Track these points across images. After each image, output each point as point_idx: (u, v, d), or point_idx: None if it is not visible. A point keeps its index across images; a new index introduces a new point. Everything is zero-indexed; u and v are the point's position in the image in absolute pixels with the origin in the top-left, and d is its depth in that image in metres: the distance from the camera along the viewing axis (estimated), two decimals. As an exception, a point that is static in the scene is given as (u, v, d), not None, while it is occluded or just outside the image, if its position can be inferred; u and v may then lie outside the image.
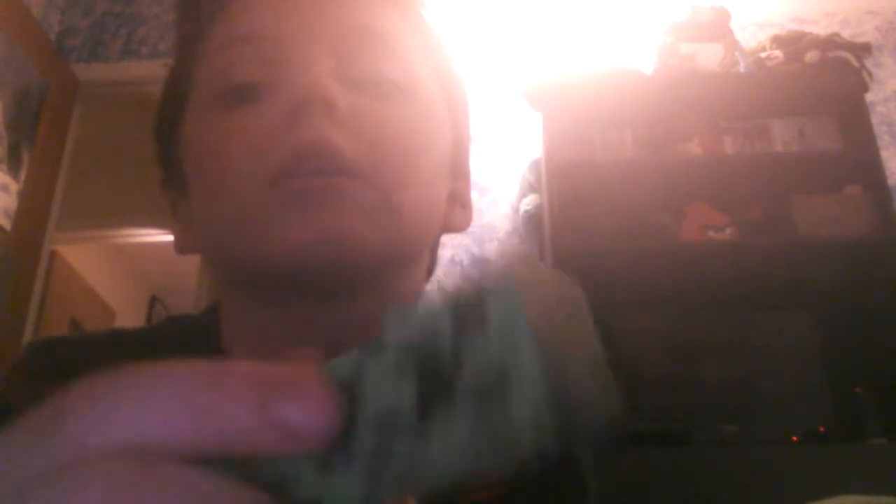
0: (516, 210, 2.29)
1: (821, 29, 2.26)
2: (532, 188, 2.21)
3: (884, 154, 2.01)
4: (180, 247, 0.47)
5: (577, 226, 1.93)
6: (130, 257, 4.13)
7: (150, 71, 2.40)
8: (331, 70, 0.41)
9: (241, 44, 0.43)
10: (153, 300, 4.50)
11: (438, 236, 0.49)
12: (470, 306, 0.18)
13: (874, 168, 1.91)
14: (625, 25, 2.39)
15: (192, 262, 1.80)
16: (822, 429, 1.74)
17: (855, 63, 2.02)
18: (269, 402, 0.17)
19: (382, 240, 0.39)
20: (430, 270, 0.50)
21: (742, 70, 2.07)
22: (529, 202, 2.18)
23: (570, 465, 0.49)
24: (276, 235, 0.38)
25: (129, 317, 4.17)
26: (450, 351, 0.18)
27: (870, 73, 2.04)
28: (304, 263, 0.38)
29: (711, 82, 2.04)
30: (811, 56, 2.03)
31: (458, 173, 0.50)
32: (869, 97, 2.05)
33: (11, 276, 2.16)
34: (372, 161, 0.40)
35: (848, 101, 2.02)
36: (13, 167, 2.18)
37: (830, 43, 2.04)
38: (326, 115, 0.39)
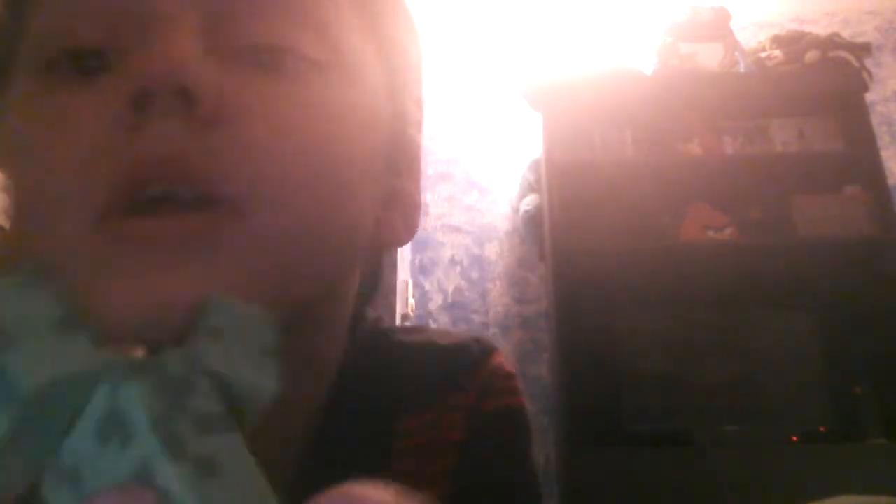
0: (516, 210, 2.29)
1: (821, 29, 2.26)
2: (532, 188, 2.21)
3: (884, 154, 2.01)
4: None
5: (577, 226, 1.93)
6: None
7: None
8: (197, 33, 0.28)
9: None
10: None
11: (375, 254, 0.40)
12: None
13: (874, 168, 1.91)
14: (625, 25, 2.39)
15: None
16: (821, 429, 1.74)
17: (855, 63, 2.02)
18: None
19: (266, 296, 0.27)
20: (372, 286, 0.42)
21: (742, 70, 2.07)
22: (529, 202, 2.18)
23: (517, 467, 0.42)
24: (97, 296, 0.25)
25: None
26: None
27: (870, 73, 2.04)
28: (141, 335, 0.25)
29: (711, 82, 2.04)
30: (811, 56, 2.03)
31: (399, 167, 0.37)
32: (869, 97, 2.05)
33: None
34: (254, 183, 0.27)
35: (848, 101, 2.02)
36: None
37: (830, 43, 2.04)
38: (181, 112, 0.26)
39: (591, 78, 2.06)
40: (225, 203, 0.27)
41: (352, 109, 0.32)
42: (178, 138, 0.27)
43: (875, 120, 2.07)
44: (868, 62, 2.06)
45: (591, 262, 1.90)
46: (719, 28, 2.09)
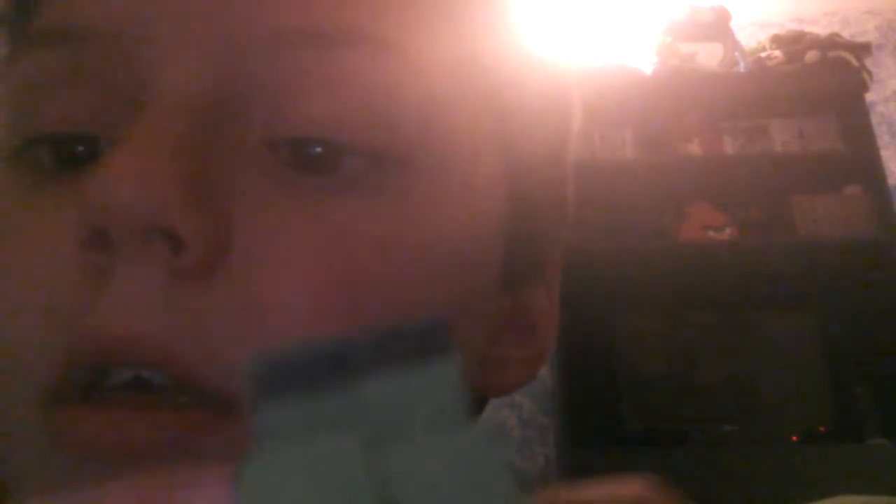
0: (516, 210, 2.29)
1: (821, 29, 2.26)
2: (532, 188, 2.21)
3: (884, 154, 2.01)
4: None
5: (577, 226, 1.92)
6: None
7: None
8: (200, 123, 0.20)
9: (53, 45, 0.22)
10: None
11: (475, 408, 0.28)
12: None
13: (874, 168, 1.91)
14: (625, 25, 2.39)
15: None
16: (822, 428, 1.74)
17: (855, 63, 2.02)
18: None
19: None
20: None
21: (742, 70, 2.07)
22: (529, 202, 2.18)
23: None
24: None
25: None
26: None
27: (870, 73, 2.04)
28: None
29: (711, 82, 2.04)
30: (811, 56, 2.03)
31: (523, 273, 0.27)
32: (869, 97, 2.05)
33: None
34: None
35: (848, 101, 2.02)
36: None
37: (830, 43, 2.04)
38: (159, 259, 0.19)
39: (590, 77, 2.06)
40: (217, 401, 0.19)
41: (449, 232, 0.22)
42: (150, 304, 0.19)
43: (875, 120, 2.07)
44: (868, 62, 2.06)
45: (591, 262, 1.90)
46: (719, 28, 2.09)
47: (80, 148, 0.21)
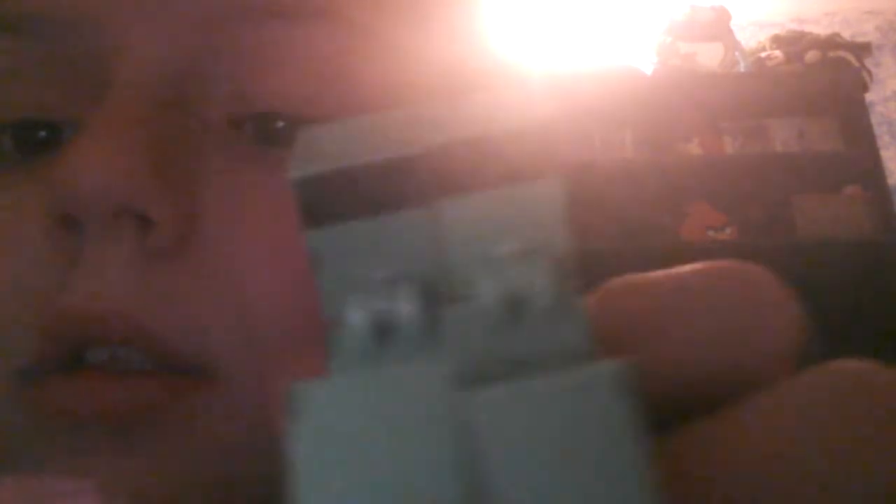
0: (516, 210, 2.29)
1: (821, 29, 2.26)
2: (532, 188, 2.21)
3: (884, 154, 2.01)
4: None
5: (577, 226, 1.92)
6: None
7: None
8: (162, 105, 0.20)
9: (12, 32, 0.21)
10: None
11: None
12: None
13: (874, 168, 1.91)
14: (625, 25, 2.39)
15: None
16: (822, 429, 1.73)
17: (855, 63, 2.02)
18: None
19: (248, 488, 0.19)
20: None
21: (742, 70, 2.07)
22: (529, 202, 2.18)
23: None
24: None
25: None
26: None
27: (870, 73, 2.04)
28: None
29: (711, 82, 2.04)
30: (811, 56, 2.03)
31: None
32: (869, 97, 2.05)
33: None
34: (239, 342, 0.19)
35: (848, 101, 2.02)
36: None
37: (830, 43, 2.04)
38: (129, 238, 0.19)
39: (591, 78, 2.06)
40: (192, 371, 0.19)
41: None
42: (121, 282, 0.19)
43: (875, 120, 2.07)
44: (868, 62, 2.06)
45: (590, 261, 1.89)
46: (719, 28, 2.09)
47: (42, 134, 0.21)
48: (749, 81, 2.06)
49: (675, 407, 0.11)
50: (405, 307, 0.10)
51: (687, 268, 0.12)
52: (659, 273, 0.12)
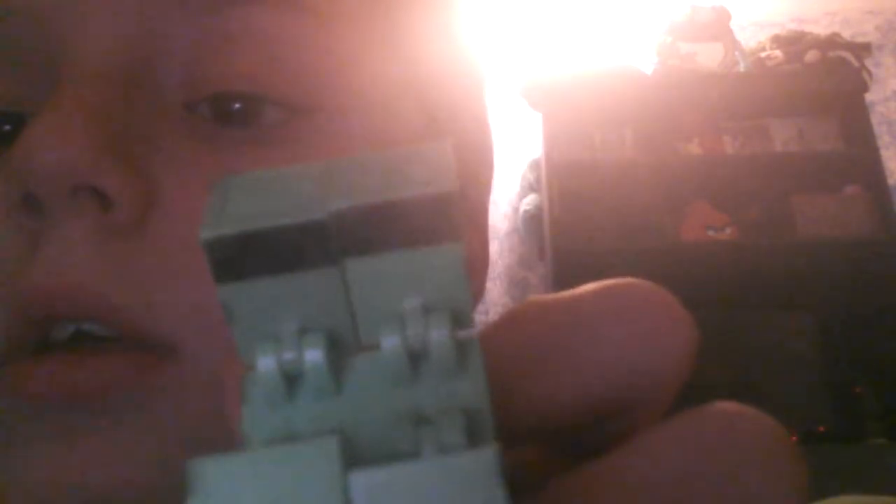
0: (516, 210, 2.29)
1: (821, 29, 2.26)
2: (532, 188, 2.21)
3: (884, 154, 2.01)
4: None
5: (577, 226, 1.93)
6: None
7: None
8: (119, 85, 0.20)
9: None
10: None
11: None
12: None
13: (874, 168, 1.91)
14: (625, 25, 2.39)
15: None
16: (822, 429, 1.73)
17: (855, 63, 2.02)
18: None
19: None
20: None
21: (742, 70, 2.07)
22: (529, 202, 2.18)
23: None
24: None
25: None
26: None
27: (870, 73, 2.04)
28: None
29: (711, 82, 2.04)
30: (811, 56, 2.03)
31: None
32: (869, 97, 2.05)
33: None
34: (198, 315, 0.20)
35: (848, 101, 2.02)
36: None
37: (830, 43, 2.04)
38: (90, 215, 0.20)
39: (591, 77, 2.06)
40: (159, 347, 0.20)
41: None
42: (84, 258, 0.19)
43: (875, 120, 2.07)
44: (868, 62, 2.06)
45: (591, 261, 1.90)
46: (719, 28, 2.09)
47: (7, 127, 0.22)
48: (749, 81, 2.06)
49: (574, 432, 0.12)
50: (312, 357, 0.11)
51: (582, 290, 0.12)
52: (559, 297, 0.12)
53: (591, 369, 0.12)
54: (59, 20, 0.21)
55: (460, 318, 0.11)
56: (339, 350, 0.11)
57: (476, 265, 0.31)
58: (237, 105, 0.21)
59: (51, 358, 0.19)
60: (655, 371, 0.12)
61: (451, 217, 0.11)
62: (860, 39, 2.20)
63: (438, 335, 0.11)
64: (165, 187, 0.20)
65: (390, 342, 0.11)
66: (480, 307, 2.27)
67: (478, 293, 0.31)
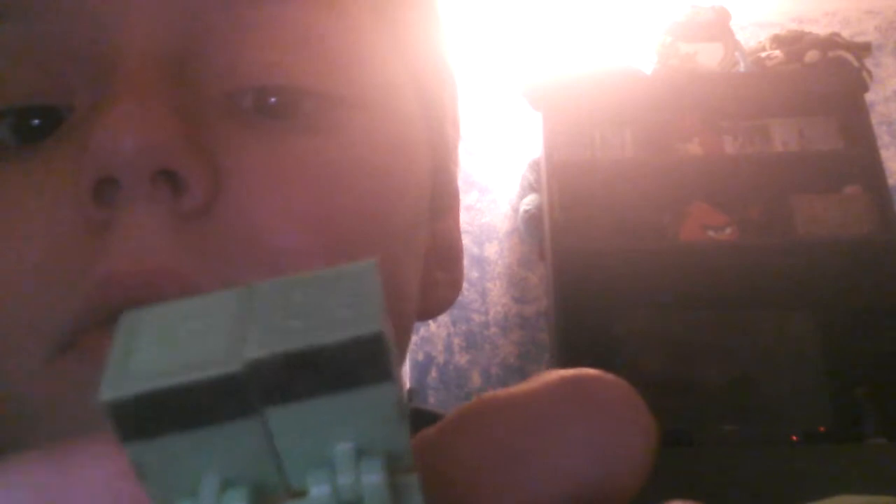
0: (516, 210, 2.29)
1: (821, 29, 2.26)
2: (532, 188, 2.21)
3: (884, 154, 2.01)
4: None
5: (577, 226, 1.93)
6: None
7: None
8: (172, 80, 0.21)
9: (6, 19, 0.22)
10: None
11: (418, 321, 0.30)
12: None
13: (874, 168, 1.91)
14: (625, 25, 2.39)
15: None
16: (821, 429, 1.74)
17: (855, 63, 2.02)
18: None
19: None
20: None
21: (742, 70, 2.07)
22: (529, 202, 2.18)
23: None
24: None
25: None
26: None
27: (870, 73, 2.04)
28: None
29: (711, 82, 2.04)
30: (811, 56, 2.03)
31: (441, 207, 0.30)
32: (869, 97, 2.05)
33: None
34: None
35: (848, 101, 2.02)
36: None
37: (830, 43, 2.04)
38: (162, 203, 0.20)
39: (590, 77, 2.06)
40: None
41: (391, 157, 0.24)
42: (162, 242, 0.20)
43: (875, 120, 2.07)
44: (868, 62, 2.06)
45: (591, 261, 1.90)
46: (719, 28, 2.09)
47: (36, 122, 0.22)
48: (749, 81, 2.06)
49: None
50: None
51: (537, 388, 0.12)
52: (513, 396, 0.12)
53: (548, 483, 0.11)
54: (103, 13, 0.21)
55: (397, 460, 0.10)
56: (265, 500, 0.11)
57: (460, 247, 0.32)
58: (273, 99, 0.22)
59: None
60: (616, 478, 0.12)
61: (380, 359, 0.10)
62: (860, 39, 2.20)
63: (372, 480, 0.10)
64: (227, 172, 0.21)
65: (320, 490, 0.10)
66: (480, 307, 2.28)
67: (457, 282, 0.31)
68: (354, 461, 0.10)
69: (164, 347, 0.10)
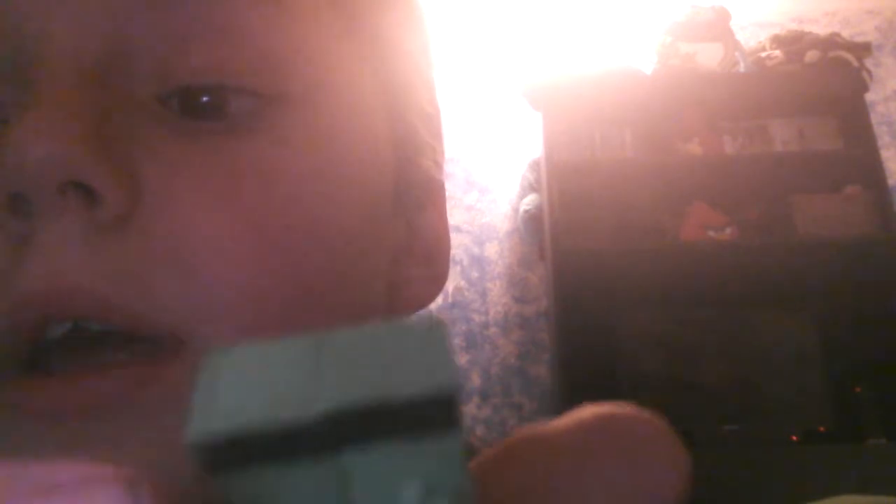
0: (516, 210, 2.29)
1: (821, 29, 2.26)
2: (532, 188, 2.21)
3: (884, 154, 2.01)
4: None
5: (577, 226, 1.93)
6: None
7: None
8: (93, 83, 0.20)
9: None
10: None
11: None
12: None
13: (874, 168, 1.91)
14: (625, 25, 2.39)
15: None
16: (821, 429, 1.74)
17: (855, 63, 2.02)
18: None
19: None
20: None
21: (742, 70, 2.07)
22: (529, 202, 2.18)
23: None
24: None
25: None
26: None
27: (870, 73, 2.04)
28: None
29: (711, 82, 2.04)
30: (811, 56, 2.03)
31: (417, 201, 0.28)
32: (869, 97, 2.05)
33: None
34: (199, 304, 0.20)
35: (848, 101, 2.02)
36: None
37: (830, 43, 2.04)
38: (79, 213, 0.19)
39: (591, 77, 2.06)
40: (161, 338, 0.19)
41: (338, 154, 0.23)
42: (75, 259, 0.19)
43: (875, 120, 2.07)
44: (868, 62, 2.06)
45: (591, 261, 1.90)
46: (719, 28, 2.09)
47: None
48: (749, 81, 2.06)
49: None
50: None
51: (580, 423, 0.12)
52: (558, 432, 0.12)
53: None
54: (28, 19, 0.21)
55: (462, 498, 0.11)
56: None
57: (444, 242, 0.31)
58: (205, 98, 0.22)
59: (49, 380, 0.19)
60: None
61: (453, 410, 0.11)
62: (860, 39, 2.20)
63: None
64: (148, 181, 0.20)
65: None
66: (480, 307, 2.28)
67: (440, 277, 0.30)
68: (423, 501, 0.11)
69: (246, 389, 0.11)
